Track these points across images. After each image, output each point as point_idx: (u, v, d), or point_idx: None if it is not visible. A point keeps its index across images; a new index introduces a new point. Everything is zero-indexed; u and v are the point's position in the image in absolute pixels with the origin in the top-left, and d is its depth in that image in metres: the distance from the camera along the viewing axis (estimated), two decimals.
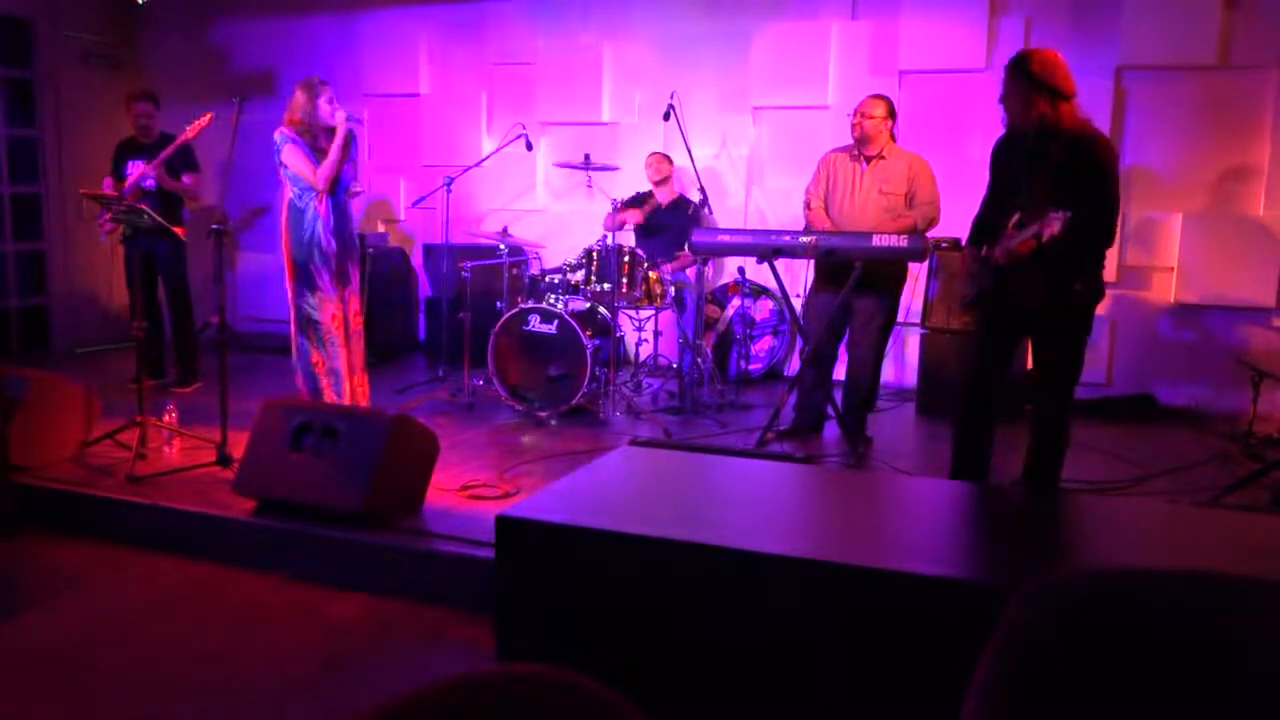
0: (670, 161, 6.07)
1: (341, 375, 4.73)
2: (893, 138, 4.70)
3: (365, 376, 4.94)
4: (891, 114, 4.66)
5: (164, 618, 3.19)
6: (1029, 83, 3.43)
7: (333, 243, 4.65)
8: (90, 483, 4.02)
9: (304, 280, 4.64)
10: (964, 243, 3.89)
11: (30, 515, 3.94)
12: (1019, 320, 3.67)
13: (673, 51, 6.70)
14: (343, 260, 4.71)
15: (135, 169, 5.58)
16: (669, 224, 5.96)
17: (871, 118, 4.61)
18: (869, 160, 4.68)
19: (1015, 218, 3.59)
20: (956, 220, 3.95)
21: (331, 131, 4.60)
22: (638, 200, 6.10)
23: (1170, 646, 1.08)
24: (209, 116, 4.93)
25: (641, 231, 6.05)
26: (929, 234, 4.66)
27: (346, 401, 4.71)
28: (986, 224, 3.75)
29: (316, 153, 4.60)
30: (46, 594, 3.36)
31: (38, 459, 4.15)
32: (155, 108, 5.78)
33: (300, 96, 4.62)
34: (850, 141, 4.73)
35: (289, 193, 4.65)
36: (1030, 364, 3.75)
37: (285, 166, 4.59)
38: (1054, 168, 3.44)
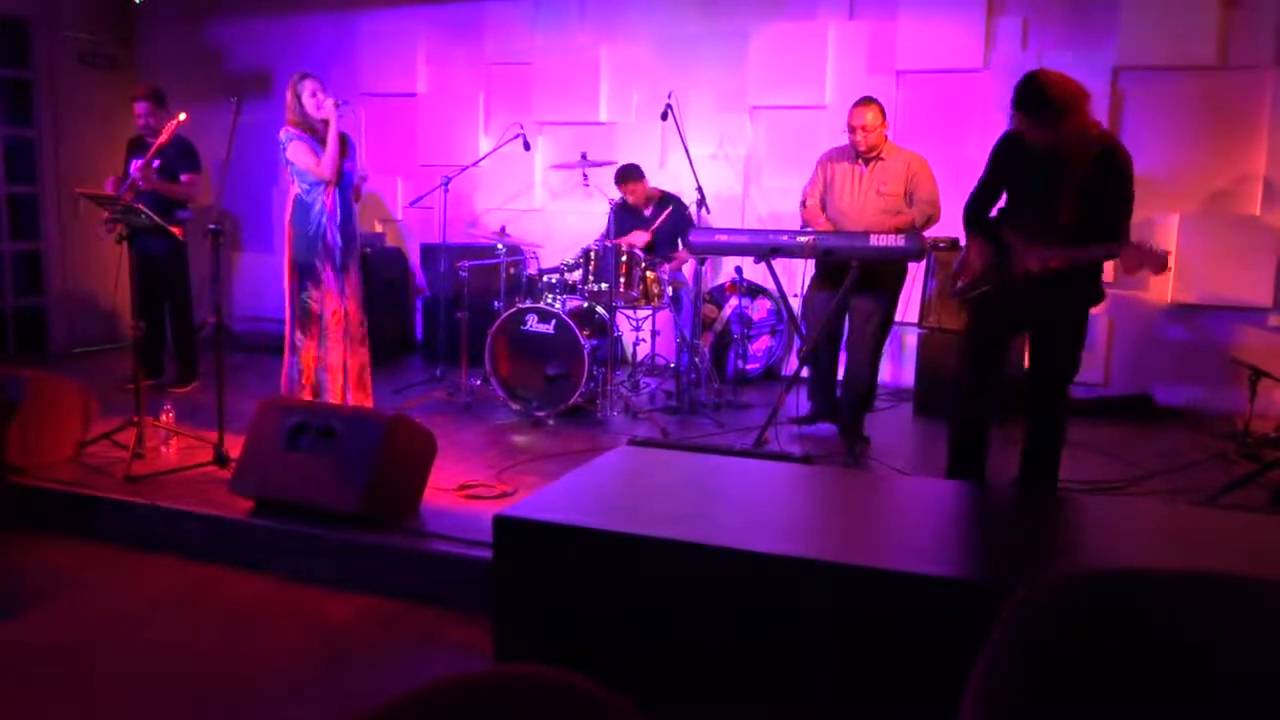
0: (644, 180, 5.93)
1: (337, 372, 4.73)
2: (885, 136, 4.70)
3: (368, 380, 4.90)
4: (882, 113, 4.65)
5: (161, 618, 3.18)
6: (1053, 110, 3.27)
7: (338, 237, 4.70)
8: (88, 483, 4.01)
9: (307, 274, 4.67)
10: (964, 229, 3.84)
11: (28, 515, 3.93)
12: (1019, 318, 3.67)
13: (670, 51, 6.70)
14: (346, 256, 4.74)
15: (135, 167, 5.59)
16: (663, 225, 5.94)
17: (870, 129, 4.59)
18: (868, 162, 4.68)
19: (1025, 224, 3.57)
20: (956, 220, 3.95)
21: (328, 124, 4.63)
22: (637, 214, 6.06)
23: (1167, 646, 1.09)
24: (182, 116, 4.92)
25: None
26: (927, 233, 4.66)
27: (339, 400, 4.70)
28: (982, 213, 3.75)
29: (322, 145, 4.66)
30: (44, 594, 3.35)
31: (35, 459, 4.14)
32: (154, 106, 5.76)
33: (288, 97, 4.68)
34: (847, 143, 4.73)
35: (295, 189, 4.69)
36: (1026, 364, 3.74)
37: (291, 164, 4.64)
38: (1081, 178, 3.38)
